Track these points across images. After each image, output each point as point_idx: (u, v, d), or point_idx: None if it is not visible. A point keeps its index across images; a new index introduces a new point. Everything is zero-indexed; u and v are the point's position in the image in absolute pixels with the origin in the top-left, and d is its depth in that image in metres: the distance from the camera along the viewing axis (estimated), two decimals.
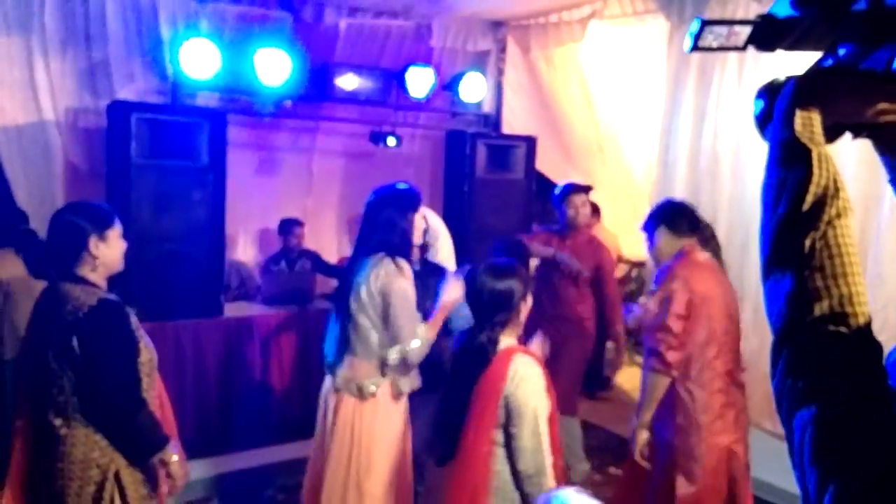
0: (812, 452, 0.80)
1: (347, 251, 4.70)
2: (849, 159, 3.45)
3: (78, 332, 2.23)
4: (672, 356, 2.82)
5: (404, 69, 5.18)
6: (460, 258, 4.19)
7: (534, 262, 4.34)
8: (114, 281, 2.50)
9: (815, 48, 0.99)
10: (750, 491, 2.99)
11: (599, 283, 4.29)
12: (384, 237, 2.87)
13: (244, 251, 6.02)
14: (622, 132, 5.76)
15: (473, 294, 2.46)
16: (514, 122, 5.93)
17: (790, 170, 0.89)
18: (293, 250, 5.68)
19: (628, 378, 6.19)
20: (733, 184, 4.07)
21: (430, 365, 2.91)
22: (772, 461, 3.50)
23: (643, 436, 2.94)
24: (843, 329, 0.84)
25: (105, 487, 2.27)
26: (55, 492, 2.27)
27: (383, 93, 5.25)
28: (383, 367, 2.84)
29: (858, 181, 3.46)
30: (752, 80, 3.82)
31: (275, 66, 4.57)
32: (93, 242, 2.33)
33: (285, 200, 5.98)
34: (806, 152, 0.89)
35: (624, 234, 5.82)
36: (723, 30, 0.98)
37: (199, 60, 4.34)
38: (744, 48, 1.00)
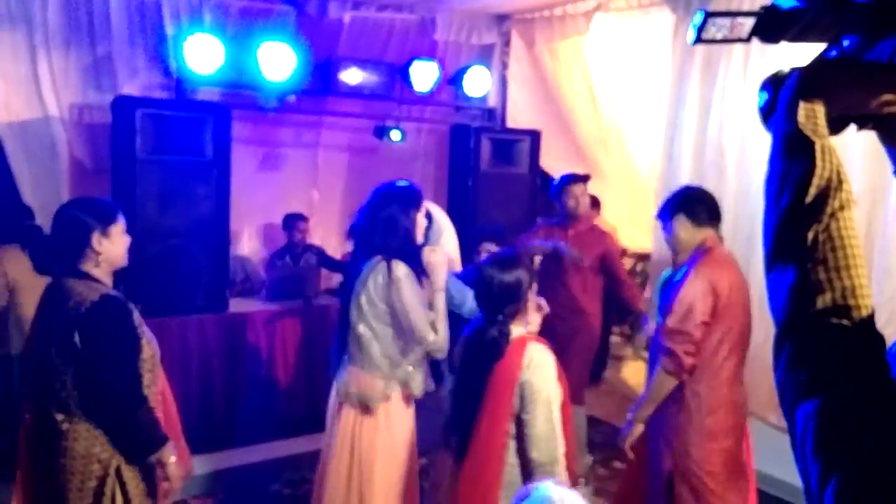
0: (814, 445, 0.79)
1: (351, 246, 4.70)
2: (856, 151, 3.44)
3: (79, 327, 2.23)
4: (689, 361, 2.74)
5: (408, 63, 5.17)
6: (465, 253, 4.19)
7: (538, 259, 4.35)
8: (119, 276, 2.50)
9: (820, 39, 0.99)
10: (753, 485, 2.97)
11: (609, 269, 4.31)
12: (385, 238, 2.75)
13: (249, 246, 6.03)
14: (627, 125, 5.74)
15: (482, 287, 2.46)
16: (519, 116, 5.92)
17: (793, 162, 0.89)
18: (298, 245, 5.68)
19: (633, 373, 6.20)
20: (739, 176, 4.05)
21: (432, 363, 2.89)
22: (776, 454, 3.49)
23: (638, 430, 2.89)
24: (845, 322, 0.83)
25: (106, 483, 2.28)
26: (58, 486, 2.28)
27: (387, 87, 5.25)
28: (394, 370, 2.76)
29: (865, 173, 3.44)
30: (758, 72, 3.80)
31: (278, 61, 4.56)
32: (95, 238, 2.33)
33: (289, 195, 5.99)
34: (809, 144, 0.88)
35: (629, 227, 5.81)
36: (726, 21, 0.97)
37: (202, 55, 4.34)
38: (747, 40, 0.99)
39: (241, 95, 4.87)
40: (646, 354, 5.77)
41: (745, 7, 3.65)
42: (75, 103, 4.51)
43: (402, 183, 2.93)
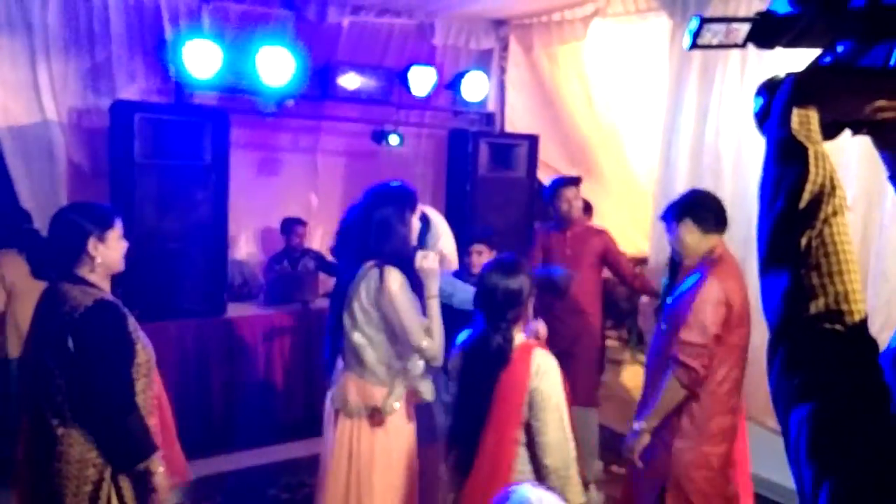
0: (808, 449, 0.80)
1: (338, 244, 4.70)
2: (851, 156, 3.45)
3: (73, 332, 2.23)
4: (704, 373, 2.71)
5: (407, 68, 5.18)
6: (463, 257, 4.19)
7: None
8: (117, 280, 2.50)
9: (814, 45, 0.99)
10: (750, 489, 2.96)
11: (613, 265, 4.34)
12: (379, 242, 2.67)
13: (247, 250, 6.03)
14: (624, 130, 5.76)
15: (485, 293, 2.44)
16: (517, 121, 5.93)
17: (787, 168, 0.90)
18: (296, 250, 5.69)
19: (631, 376, 6.20)
20: (735, 181, 4.06)
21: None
22: (773, 458, 3.50)
23: (645, 439, 2.85)
24: (838, 327, 0.84)
25: (102, 487, 2.27)
26: (54, 491, 2.27)
27: (386, 92, 5.26)
28: (396, 378, 2.71)
29: (861, 178, 3.45)
30: (755, 78, 3.81)
31: (277, 66, 4.57)
32: (91, 244, 2.32)
33: (288, 200, 5.99)
34: (802, 150, 0.89)
35: (626, 231, 5.81)
36: (722, 27, 0.98)
37: (201, 60, 4.35)
38: (743, 45, 1.00)
39: (239, 100, 4.88)
40: (642, 358, 5.78)
41: (742, 13, 3.67)
42: (74, 107, 4.51)
43: (395, 183, 2.85)
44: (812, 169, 0.88)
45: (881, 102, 0.91)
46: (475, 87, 5.48)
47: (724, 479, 2.82)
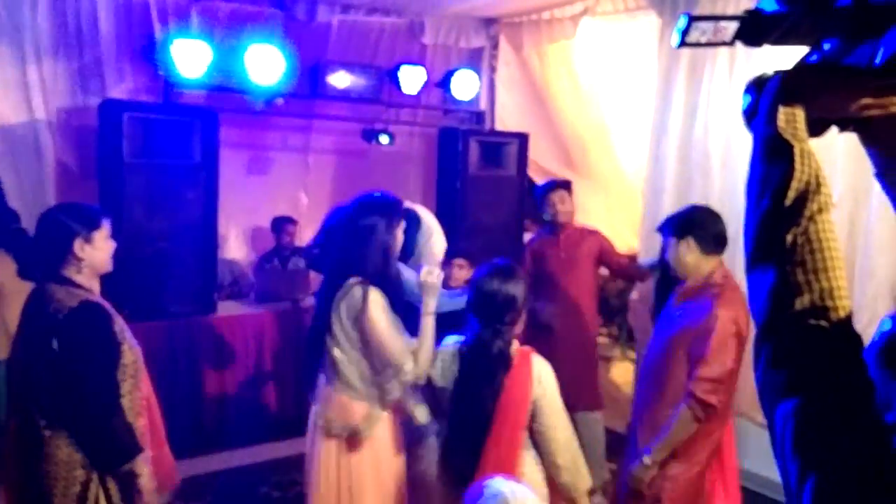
0: (793, 444, 0.81)
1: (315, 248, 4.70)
2: (837, 153, 3.47)
3: (57, 333, 2.22)
4: (720, 407, 2.67)
5: (397, 66, 5.18)
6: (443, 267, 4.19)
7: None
8: (106, 280, 2.49)
9: (801, 43, 1.00)
10: (737, 483, 2.95)
11: (610, 261, 4.35)
12: (364, 256, 2.60)
13: (237, 249, 6.02)
14: (614, 128, 5.78)
15: (483, 298, 2.43)
16: (507, 119, 5.94)
17: (773, 165, 0.91)
18: (286, 248, 5.68)
19: (621, 373, 6.23)
20: (724, 179, 4.09)
21: None
22: (760, 452, 3.52)
23: (654, 471, 2.73)
24: (823, 323, 0.85)
25: (89, 488, 2.27)
26: (43, 492, 2.27)
27: (376, 90, 5.25)
28: (382, 400, 2.64)
29: (847, 175, 3.48)
30: (743, 76, 3.83)
31: (266, 64, 4.55)
32: (77, 245, 2.31)
33: (278, 199, 5.98)
34: (788, 148, 0.90)
35: (615, 229, 5.83)
36: (710, 25, 0.99)
37: (190, 59, 4.33)
38: (731, 43, 1.00)
39: (229, 99, 4.86)
40: (632, 355, 5.79)
41: (730, 11, 3.69)
42: (62, 107, 4.48)
43: (376, 194, 2.77)
44: (798, 166, 0.89)
45: (867, 100, 0.92)
46: (465, 86, 5.48)
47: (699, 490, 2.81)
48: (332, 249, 2.76)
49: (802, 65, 0.99)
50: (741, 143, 3.91)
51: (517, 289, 2.43)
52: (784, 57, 1.04)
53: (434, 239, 4.13)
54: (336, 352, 2.63)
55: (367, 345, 2.59)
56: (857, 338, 0.85)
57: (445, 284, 3.59)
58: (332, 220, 2.79)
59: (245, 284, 5.68)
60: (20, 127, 4.35)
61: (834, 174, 3.47)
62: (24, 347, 2.33)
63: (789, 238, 0.87)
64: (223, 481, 4.22)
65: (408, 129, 6.00)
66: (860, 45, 0.93)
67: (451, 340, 2.57)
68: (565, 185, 4.39)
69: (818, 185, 0.89)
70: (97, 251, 2.37)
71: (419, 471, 2.69)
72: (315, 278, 5.42)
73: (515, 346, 2.46)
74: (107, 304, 2.41)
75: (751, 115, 0.99)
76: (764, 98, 0.95)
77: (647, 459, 2.73)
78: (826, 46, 0.98)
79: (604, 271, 4.58)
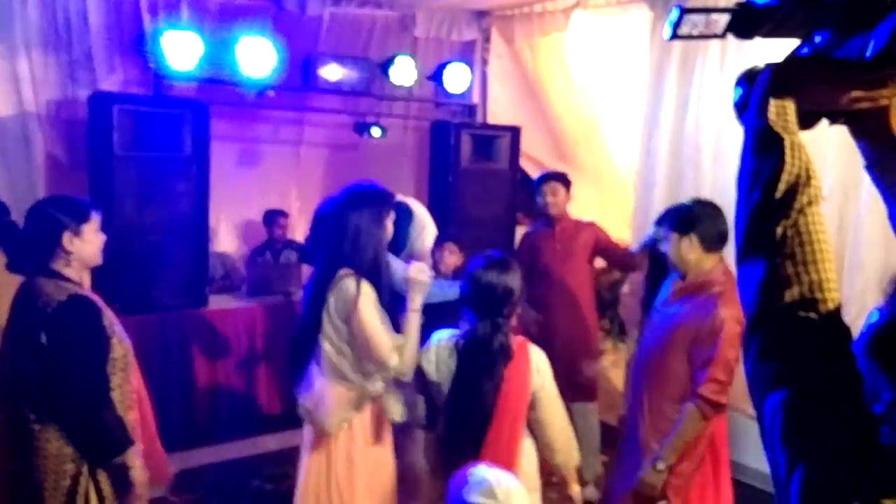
0: (781, 435, 0.81)
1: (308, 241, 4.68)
2: (828, 146, 3.48)
3: (46, 327, 2.21)
4: (725, 401, 2.68)
5: (388, 59, 5.16)
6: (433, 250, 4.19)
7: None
8: (97, 273, 2.48)
9: (793, 36, 1.01)
10: (728, 475, 2.97)
11: (607, 254, 4.35)
12: (354, 248, 2.57)
13: (228, 242, 6.00)
14: (606, 121, 5.78)
15: (480, 291, 2.42)
16: (499, 112, 5.93)
17: (763, 158, 0.91)
18: (278, 241, 5.66)
19: (612, 365, 6.23)
20: (715, 172, 4.10)
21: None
22: (751, 444, 3.54)
23: (663, 478, 2.68)
24: (812, 315, 0.85)
25: (80, 481, 2.26)
26: (34, 485, 2.26)
27: (368, 83, 5.23)
28: (363, 397, 2.64)
29: (837, 167, 3.49)
30: (734, 69, 3.83)
31: (257, 57, 4.53)
32: (66, 238, 2.30)
33: (269, 191, 5.96)
34: (779, 141, 0.90)
35: (607, 221, 5.83)
36: (701, 18, 0.99)
37: (180, 51, 4.30)
38: (722, 35, 1.01)
39: (219, 91, 4.83)
40: (624, 347, 5.80)
41: (722, 3, 3.68)
42: (52, 99, 4.45)
43: (367, 185, 2.75)
44: (788, 159, 0.89)
45: (857, 92, 0.93)
46: (457, 79, 5.47)
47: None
48: (323, 240, 2.73)
49: (793, 57, 0.99)
50: (732, 136, 3.91)
51: (514, 281, 2.43)
52: (775, 49, 1.04)
53: (426, 232, 4.13)
54: (326, 344, 2.62)
55: (355, 338, 2.58)
56: (845, 330, 0.86)
57: (435, 268, 3.60)
58: (322, 211, 2.77)
59: (237, 278, 5.66)
60: (10, 119, 4.32)
61: (824, 167, 3.48)
62: (13, 341, 2.31)
63: (779, 230, 0.88)
64: (215, 474, 4.22)
65: (400, 122, 5.99)
66: (851, 37, 0.93)
67: (446, 334, 2.53)
68: (559, 178, 4.38)
69: (808, 177, 0.90)
70: (86, 244, 2.35)
71: (407, 462, 2.70)
72: (307, 271, 5.41)
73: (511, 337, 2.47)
74: (96, 298, 2.39)
75: (742, 108, 1.00)
76: (755, 91, 0.95)
77: (660, 465, 2.67)
78: (817, 39, 0.98)
79: (597, 264, 4.58)
